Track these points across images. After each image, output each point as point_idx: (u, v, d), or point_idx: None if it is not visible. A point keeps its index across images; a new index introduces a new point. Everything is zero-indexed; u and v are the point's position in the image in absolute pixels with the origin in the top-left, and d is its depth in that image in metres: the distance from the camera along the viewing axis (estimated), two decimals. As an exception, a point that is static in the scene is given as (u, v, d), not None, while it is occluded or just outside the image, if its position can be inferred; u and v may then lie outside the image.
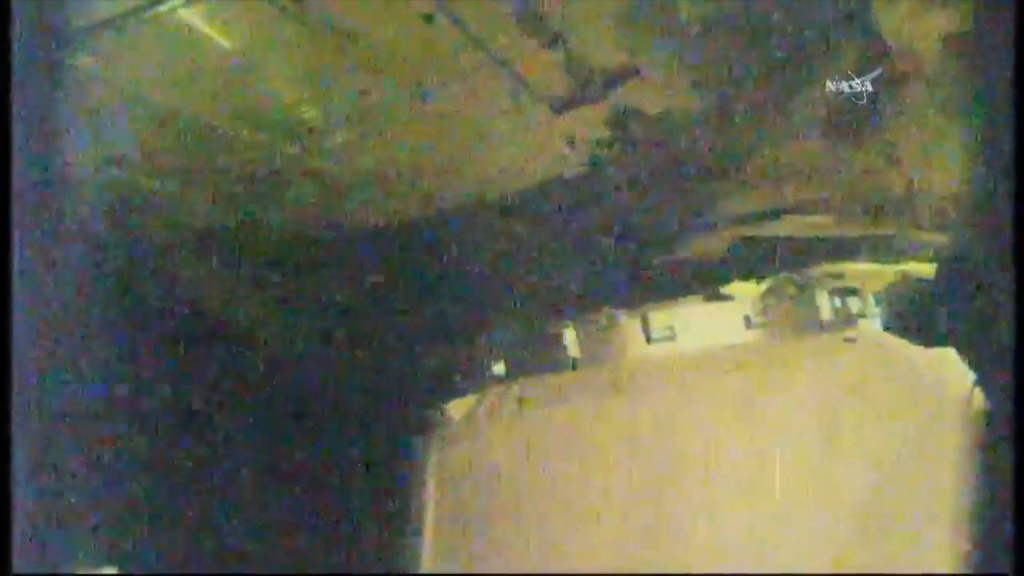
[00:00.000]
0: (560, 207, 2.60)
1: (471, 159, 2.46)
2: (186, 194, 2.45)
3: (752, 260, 2.72)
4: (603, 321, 2.76)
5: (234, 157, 2.29)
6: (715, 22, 2.01)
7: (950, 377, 2.37)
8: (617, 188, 2.53)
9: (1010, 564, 1.66)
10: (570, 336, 2.78)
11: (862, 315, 2.65)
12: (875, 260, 2.71)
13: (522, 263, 2.72)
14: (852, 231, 2.65)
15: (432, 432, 2.85)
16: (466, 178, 2.54)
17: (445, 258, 2.76)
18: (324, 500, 2.92)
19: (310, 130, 2.23)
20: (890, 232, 2.62)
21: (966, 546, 2.15)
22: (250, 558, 2.75)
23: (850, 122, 2.30)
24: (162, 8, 1.73)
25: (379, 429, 2.91)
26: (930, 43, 2.09)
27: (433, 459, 2.82)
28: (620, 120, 2.30)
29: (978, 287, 2.06)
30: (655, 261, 2.72)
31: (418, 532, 2.76)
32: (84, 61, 1.86)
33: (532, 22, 1.92)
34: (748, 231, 2.67)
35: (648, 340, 2.69)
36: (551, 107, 2.22)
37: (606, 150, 2.41)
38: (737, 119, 2.32)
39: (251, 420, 2.87)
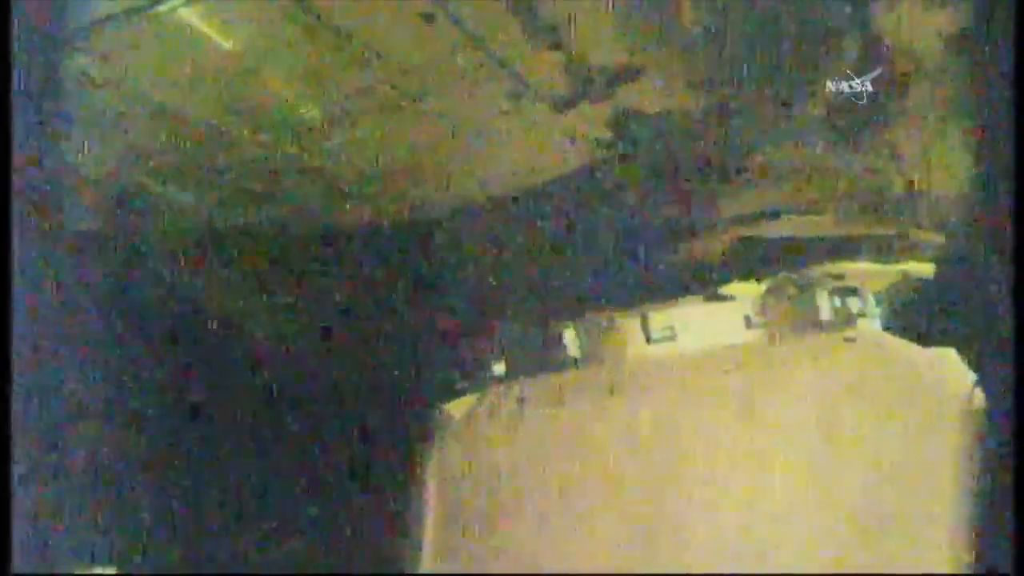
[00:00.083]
0: (560, 207, 2.60)
1: (471, 159, 2.46)
2: (186, 194, 2.46)
3: (752, 260, 2.72)
4: (603, 321, 2.75)
5: (234, 157, 2.29)
6: (715, 22, 2.02)
7: (950, 377, 2.36)
8: (617, 188, 2.54)
9: (1010, 564, 1.66)
10: (570, 336, 2.77)
11: (862, 315, 2.65)
12: (875, 260, 2.71)
13: (522, 263, 2.72)
14: (852, 231, 2.65)
15: (432, 432, 2.84)
16: (466, 178, 2.54)
17: (445, 258, 2.77)
18: (324, 500, 2.92)
19: (310, 130, 2.23)
20: (890, 232, 2.62)
21: (966, 546, 2.15)
22: (250, 558, 2.75)
23: (850, 122, 2.30)
24: (162, 8, 1.73)
25: (379, 429, 2.91)
26: (930, 43, 2.10)
27: (433, 459, 2.81)
28: (620, 120, 2.30)
29: (978, 287, 2.06)
30: (655, 261, 2.72)
31: (418, 532, 2.76)
32: (84, 61, 1.86)
33: (532, 22, 1.92)
34: (748, 231, 2.67)
35: (648, 340, 2.69)
36: (552, 107, 2.22)
37: (606, 150, 2.41)
38: (737, 119, 2.32)
39: (250, 420, 2.87)
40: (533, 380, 2.80)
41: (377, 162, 2.42)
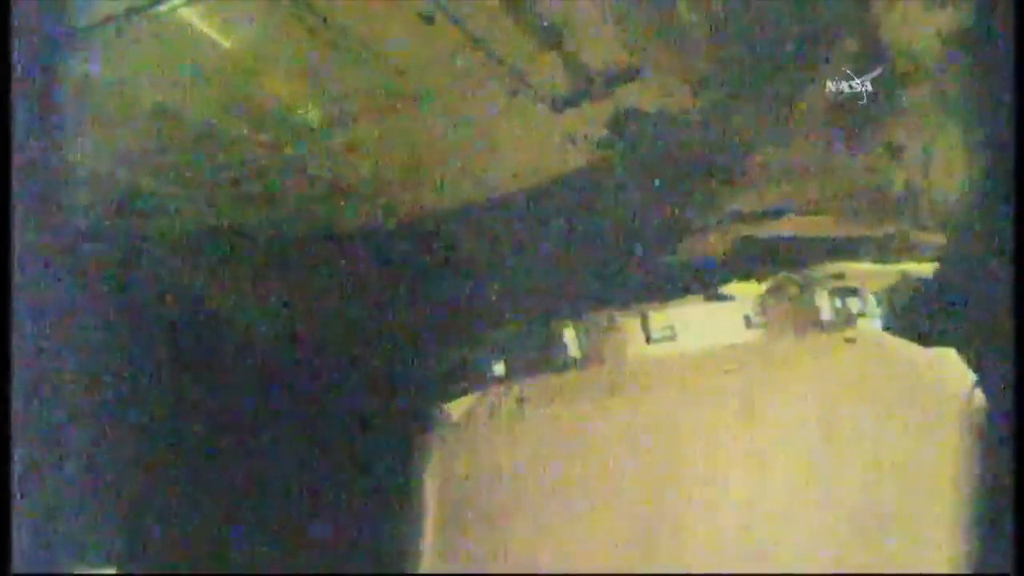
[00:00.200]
0: (560, 207, 2.60)
1: (471, 159, 2.46)
2: (186, 194, 2.45)
3: (752, 260, 2.72)
4: (603, 321, 2.75)
5: (234, 157, 2.29)
6: (715, 22, 2.02)
7: (950, 377, 2.37)
8: (617, 188, 2.54)
9: (1010, 564, 1.66)
10: (570, 336, 2.78)
11: (862, 315, 2.65)
12: (875, 260, 2.71)
13: (522, 263, 2.72)
14: (852, 231, 2.65)
15: (432, 432, 2.84)
16: (466, 178, 2.54)
17: (445, 258, 2.77)
18: (324, 500, 2.92)
19: (310, 130, 2.23)
20: (890, 232, 2.62)
21: (966, 546, 2.15)
22: (250, 558, 2.75)
23: (850, 122, 2.31)
24: (162, 8, 1.73)
25: (379, 429, 2.91)
26: (930, 43, 2.10)
27: (433, 459, 2.81)
28: (620, 120, 2.30)
29: (978, 287, 2.07)
30: (655, 261, 2.72)
31: (418, 532, 2.76)
32: (84, 61, 1.86)
33: (532, 22, 1.92)
34: (748, 231, 2.67)
35: (648, 340, 2.69)
36: (551, 107, 2.23)
37: (606, 150, 2.41)
38: (737, 119, 2.32)
39: (250, 420, 2.87)
40: (533, 380, 2.80)
41: (377, 162, 2.42)
